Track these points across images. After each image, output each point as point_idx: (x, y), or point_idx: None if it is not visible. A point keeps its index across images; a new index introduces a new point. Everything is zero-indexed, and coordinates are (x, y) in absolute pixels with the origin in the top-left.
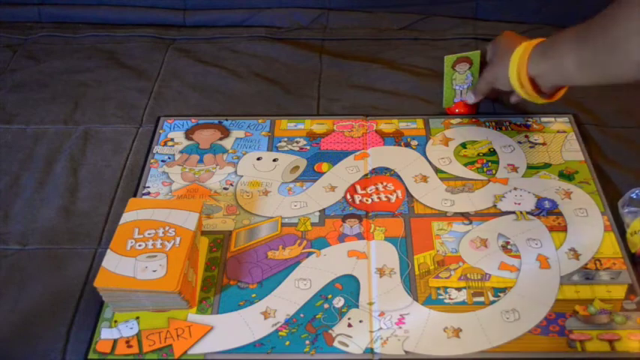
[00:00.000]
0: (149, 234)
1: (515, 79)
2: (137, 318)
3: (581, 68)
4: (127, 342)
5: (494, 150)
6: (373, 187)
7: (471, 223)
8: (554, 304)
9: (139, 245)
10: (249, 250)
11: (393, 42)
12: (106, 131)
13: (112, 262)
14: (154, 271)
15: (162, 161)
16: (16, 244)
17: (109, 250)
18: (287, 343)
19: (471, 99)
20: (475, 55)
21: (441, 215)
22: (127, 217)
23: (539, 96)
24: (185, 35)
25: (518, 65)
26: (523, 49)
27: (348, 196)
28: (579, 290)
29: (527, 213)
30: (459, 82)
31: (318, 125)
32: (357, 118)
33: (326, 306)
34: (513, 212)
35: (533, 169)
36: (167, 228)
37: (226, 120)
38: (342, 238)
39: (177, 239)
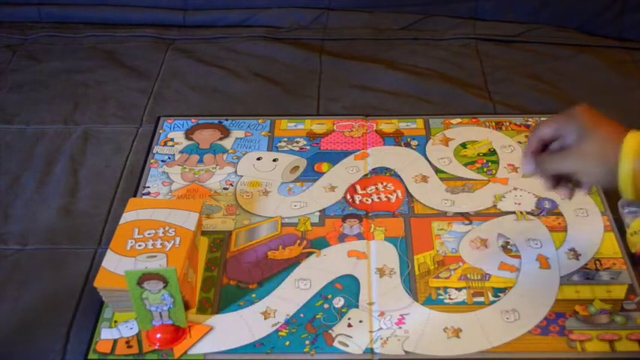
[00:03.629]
0: (149, 234)
1: (628, 182)
2: (137, 318)
3: None
4: (127, 342)
5: (494, 150)
6: (373, 187)
7: (471, 223)
8: (554, 304)
9: (139, 245)
10: (249, 250)
11: (393, 42)
12: (106, 131)
13: (111, 262)
14: None
15: (162, 161)
16: (16, 244)
17: (109, 250)
18: (287, 343)
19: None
20: (170, 272)
21: (441, 215)
22: (126, 217)
23: None
24: (185, 35)
25: (635, 166)
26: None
27: (348, 196)
28: (579, 290)
29: (527, 213)
30: (155, 302)
31: (318, 125)
32: (357, 118)
33: (326, 306)
34: (513, 212)
35: None
36: (167, 228)
37: (226, 120)
38: (342, 238)
39: (177, 239)
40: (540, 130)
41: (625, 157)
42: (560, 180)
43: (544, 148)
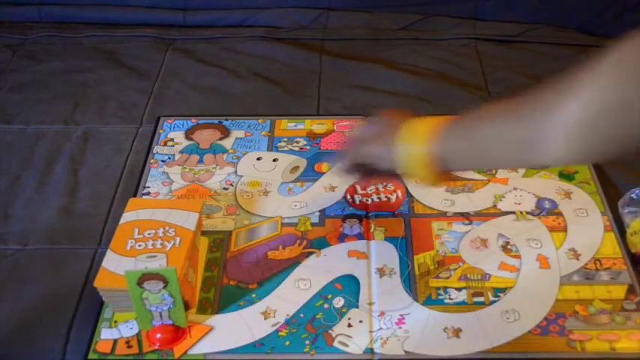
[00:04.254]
0: (149, 234)
1: (417, 157)
2: (137, 318)
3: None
4: (127, 342)
5: None
6: (373, 187)
7: (471, 223)
8: (554, 304)
9: (139, 245)
10: (249, 250)
11: (393, 42)
12: (106, 131)
13: (112, 262)
14: None
15: (162, 161)
16: (16, 244)
17: (109, 250)
18: (287, 343)
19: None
20: (170, 272)
21: (441, 215)
22: (126, 217)
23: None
24: (185, 35)
25: (425, 141)
26: (427, 124)
27: (348, 196)
28: (579, 290)
29: (527, 213)
30: (155, 302)
31: (318, 125)
32: (357, 118)
33: (326, 306)
34: (513, 212)
35: (533, 169)
36: (167, 228)
37: (226, 120)
38: (342, 238)
39: (177, 239)
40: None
41: (412, 137)
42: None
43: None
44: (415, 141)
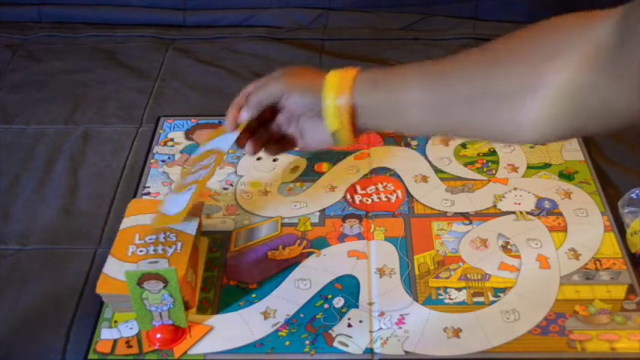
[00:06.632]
0: (150, 239)
1: (333, 116)
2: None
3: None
4: (127, 342)
5: (494, 150)
6: (373, 187)
7: (471, 223)
8: (554, 304)
9: (140, 251)
10: (249, 250)
11: (393, 42)
12: (106, 131)
13: (113, 268)
14: None
15: (162, 161)
16: (16, 244)
17: (109, 257)
18: (287, 343)
19: (245, 118)
20: (170, 272)
21: (441, 215)
22: (127, 222)
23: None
24: (185, 35)
25: (338, 90)
26: (340, 74)
27: (348, 196)
28: (579, 290)
29: (527, 213)
30: (155, 302)
31: None
32: None
33: (326, 306)
34: (513, 212)
35: (533, 169)
36: (168, 233)
37: None
38: (342, 238)
39: (179, 244)
40: (243, 90)
41: (327, 93)
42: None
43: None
44: (334, 86)
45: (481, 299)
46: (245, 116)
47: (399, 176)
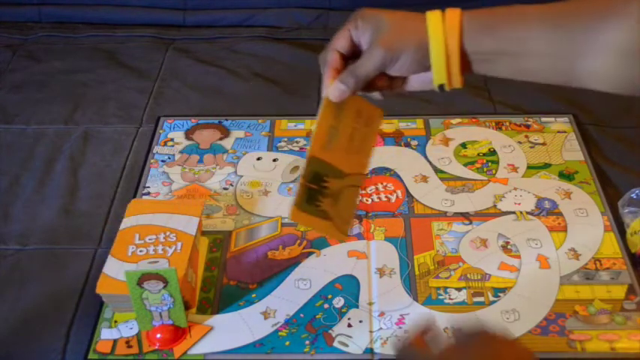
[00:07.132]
0: (150, 239)
1: (441, 54)
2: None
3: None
4: (127, 342)
5: (494, 150)
6: (373, 187)
7: (471, 223)
8: (554, 304)
9: (140, 251)
10: (249, 250)
11: None
12: (106, 131)
13: (113, 268)
14: None
15: (162, 161)
16: (16, 244)
17: (110, 257)
18: (287, 343)
19: (339, 91)
20: (170, 272)
21: (441, 215)
22: (126, 222)
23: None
24: (185, 35)
25: (446, 37)
26: (442, 17)
27: None
28: (579, 290)
29: (527, 213)
30: (155, 302)
31: None
32: None
33: (326, 306)
34: (513, 212)
35: (533, 169)
36: (168, 233)
37: (226, 120)
38: None
39: (179, 244)
40: (334, 43)
41: (433, 32)
42: (371, 86)
43: (344, 65)
44: (440, 34)
45: (481, 299)
46: (339, 93)
47: (399, 176)
